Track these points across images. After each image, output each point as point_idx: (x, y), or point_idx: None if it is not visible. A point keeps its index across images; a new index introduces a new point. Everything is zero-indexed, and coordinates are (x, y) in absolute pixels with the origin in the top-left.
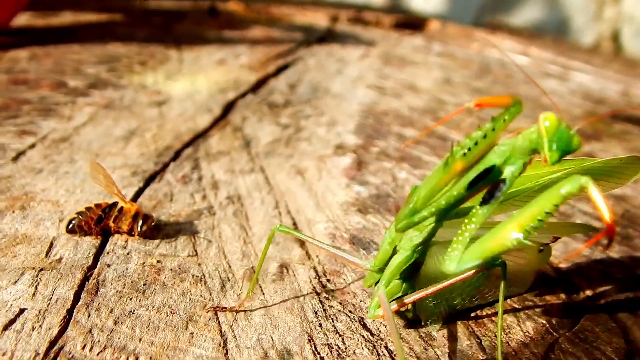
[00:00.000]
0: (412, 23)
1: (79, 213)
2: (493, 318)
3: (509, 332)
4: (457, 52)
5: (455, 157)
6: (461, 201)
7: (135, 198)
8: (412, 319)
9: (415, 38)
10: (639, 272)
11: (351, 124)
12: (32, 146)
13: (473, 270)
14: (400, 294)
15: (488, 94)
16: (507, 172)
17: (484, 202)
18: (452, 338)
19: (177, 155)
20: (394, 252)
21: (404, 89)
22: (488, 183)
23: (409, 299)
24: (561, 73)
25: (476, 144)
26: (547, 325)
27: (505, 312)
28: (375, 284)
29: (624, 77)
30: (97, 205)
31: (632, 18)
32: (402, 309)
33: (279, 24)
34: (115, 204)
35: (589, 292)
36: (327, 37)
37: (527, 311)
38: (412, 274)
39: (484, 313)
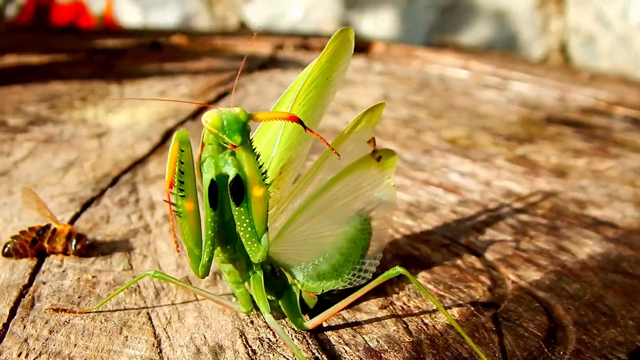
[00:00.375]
0: (358, 46)
1: (13, 237)
2: (420, 305)
3: (434, 316)
4: (397, 70)
5: (178, 203)
6: (222, 217)
7: (72, 222)
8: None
9: (356, 60)
10: (563, 258)
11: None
12: None
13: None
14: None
15: (426, 107)
16: (226, 171)
17: (237, 203)
18: (380, 325)
19: (115, 181)
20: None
21: (343, 107)
22: (223, 189)
23: (321, 318)
24: (499, 84)
25: (182, 182)
26: (472, 309)
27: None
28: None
29: (562, 84)
30: (31, 229)
31: (578, 29)
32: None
33: (221, 54)
34: (48, 225)
35: (513, 278)
36: (269, 64)
37: (452, 297)
38: (276, 287)
39: (410, 303)
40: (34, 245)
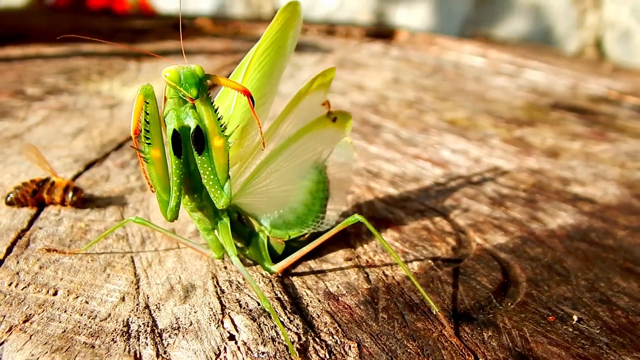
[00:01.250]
0: (383, 34)
1: (16, 187)
2: (384, 260)
3: (395, 269)
4: (413, 56)
5: (145, 151)
6: (187, 166)
7: (73, 179)
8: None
9: (374, 45)
10: (533, 226)
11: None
12: None
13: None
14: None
15: (434, 91)
16: (188, 122)
17: (200, 152)
18: (342, 274)
19: (119, 146)
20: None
21: (351, 88)
22: (186, 140)
23: (287, 262)
24: (514, 71)
25: (148, 131)
26: (432, 264)
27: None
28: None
29: (578, 74)
30: (32, 180)
31: (614, 24)
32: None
33: (241, 36)
34: (48, 178)
35: (479, 241)
36: None
37: (415, 254)
38: (244, 234)
39: (375, 257)
40: (34, 196)
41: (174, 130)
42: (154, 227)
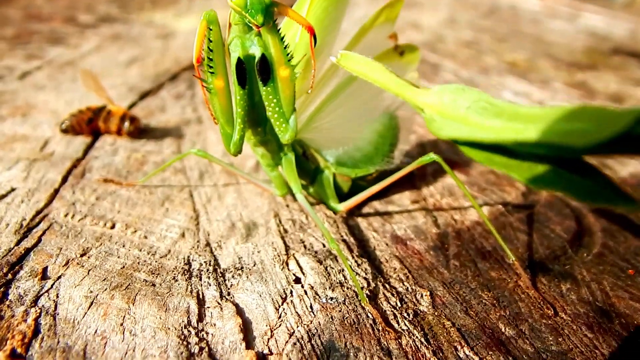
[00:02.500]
0: None
1: (71, 114)
2: (452, 203)
3: (465, 213)
4: None
5: (208, 81)
6: (251, 98)
7: (128, 109)
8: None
9: None
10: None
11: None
12: (39, 68)
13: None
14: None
15: (492, 31)
16: (253, 51)
17: (265, 82)
18: (409, 217)
19: (174, 77)
20: (280, 170)
21: (407, 27)
22: (251, 70)
23: (354, 201)
24: (570, 15)
25: (211, 59)
26: (502, 209)
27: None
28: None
29: (638, 19)
30: (88, 108)
31: None
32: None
33: None
34: (104, 107)
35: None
36: None
37: (484, 198)
38: (309, 171)
39: (443, 200)
40: (90, 124)
41: (239, 58)
42: (215, 160)
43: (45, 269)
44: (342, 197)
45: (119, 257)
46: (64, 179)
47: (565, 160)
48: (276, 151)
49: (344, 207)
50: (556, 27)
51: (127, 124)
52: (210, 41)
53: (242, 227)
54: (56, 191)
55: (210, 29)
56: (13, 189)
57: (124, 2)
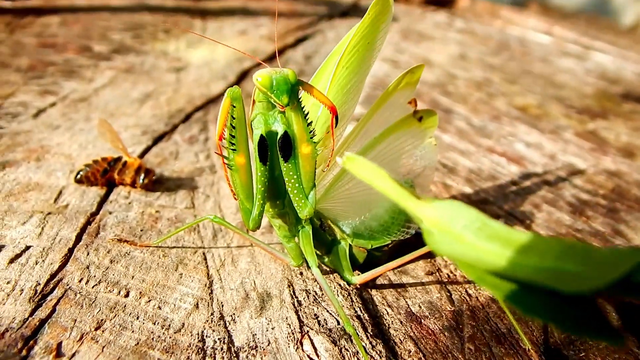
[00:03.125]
0: (443, 0)
1: (86, 165)
2: (466, 275)
3: (478, 288)
4: (478, 29)
5: (230, 157)
6: (272, 173)
7: (142, 155)
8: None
9: (438, 14)
10: (617, 242)
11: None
12: (53, 105)
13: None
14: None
15: (502, 71)
16: (276, 128)
17: (286, 159)
18: (424, 291)
19: (187, 117)
20: (296, 240)
21: (418, 62)
22: (272, 146)
23: (369, 276)
24: (581, 52)
25: (233, 136)
26: None
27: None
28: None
29: None
30: (104, 159)
31: None
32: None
33: None
34: (120, 158)
35: None
36: (351, 11)
37: None
38: (326, 241)
39: (457, 272)
40: (105, 175)
41: (261, 135)
42: (232, 228)
43: (59, 345)
44: (357, 266)
45: (133, 331)
46: (78, 237)
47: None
48: (294, 224)
49: (358, 280)
50: (566, 66)
51: (142, 176)
52: (233, 118)
53: (256, 298)
54: (70, 251)
55: (234, 106)
56: (28, 247)
57: (138, 30)
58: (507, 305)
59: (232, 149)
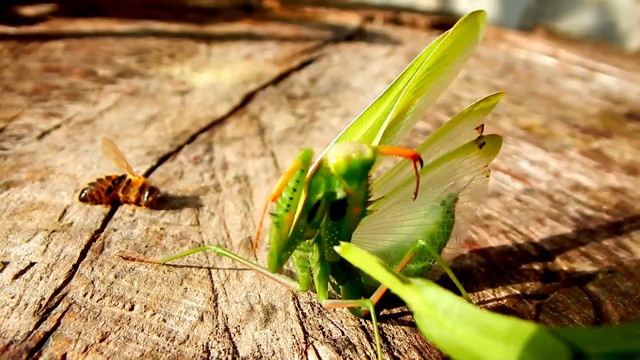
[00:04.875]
0: (448, 24)
1: (90, 183)
2: (471, 288)
3: (482, 299)
4: (483, 51)
5: (279, 214)
6: (310, 230)
7: (147, 175)
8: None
9: None
10: (621, 255)
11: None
12: (57, 127)
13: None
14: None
15: (507, 92)
16: (335, 194)
17: (333, 219)
18: None
19: (192, 139)
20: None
21: None
22: (324, 207)
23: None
24: (586, 74)
25: (291, 199)
26: (521, 295)
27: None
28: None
29: None
30: (108, 177)
31: None
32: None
33: (310, 22)
34: (124, 176)
35: (566, 269)
36: (356, 35)
37: (502, 283)
38: (341, 277)
39: (463, 285)
40: (109, 194)
41: (318, 200)
42: (234, 257)
43: (64, 357)
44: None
45: (137, 342)
46: (83, 254)
47: None
48: (315, 260)
49: (364, 313)
50: (571, 87)
51: (146, 194)
52: (297, 182)
53: (261, 311)
54: (75, 267)
55: (302, 171)
56: (32, 264)
57: (143, 55)
58: (509, 314)
59: (285, 210)
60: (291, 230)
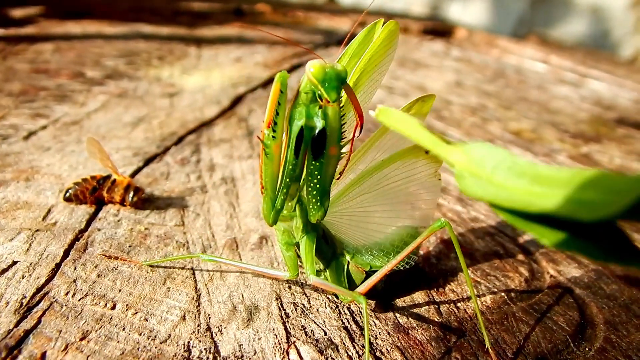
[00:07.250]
0: (440, 30)
1: (75, 183)
2: (455, 289)
3: (467, 301)
4: (475, 58)
5: (268, 143)
6: (300, 169)
7: (133, 175)
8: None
9: (435, 44)
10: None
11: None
12: (44, 127)
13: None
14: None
15: (497, 97)
16: (315, 123)
17: (316, 156)
18: (411, 301)
19: (179, 140)
20: (297, 251)
21: (413, 89)
22: (306, 141)
23: (366, 286)
24: (577, 80)
25: (276, 124)
26: (506, 297)
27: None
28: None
29: None
30: (92, 177)
31: None
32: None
33: (302, 27)
34: (109, 176)
35: (552, 272)
36: (348, 40)
37: (488, 285)
38: (326, 255)
39: (446, 286)
40: (94, 193)
41: (302, 127)
42: (224, 262)
43: (44, 354)
44: (353, 287)
45: (118, 341)
46: (66, 253)
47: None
48: (299, 229)
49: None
50: (561, 93)
51: (131, 194)
52: (279, 104)
53: (244, 311)
54: (57, 266)
55: (282, 92)
56: (14, 262)
57: (132, 57)
58: (495, 317)
59: (272, 136)
60: (281, 169)
